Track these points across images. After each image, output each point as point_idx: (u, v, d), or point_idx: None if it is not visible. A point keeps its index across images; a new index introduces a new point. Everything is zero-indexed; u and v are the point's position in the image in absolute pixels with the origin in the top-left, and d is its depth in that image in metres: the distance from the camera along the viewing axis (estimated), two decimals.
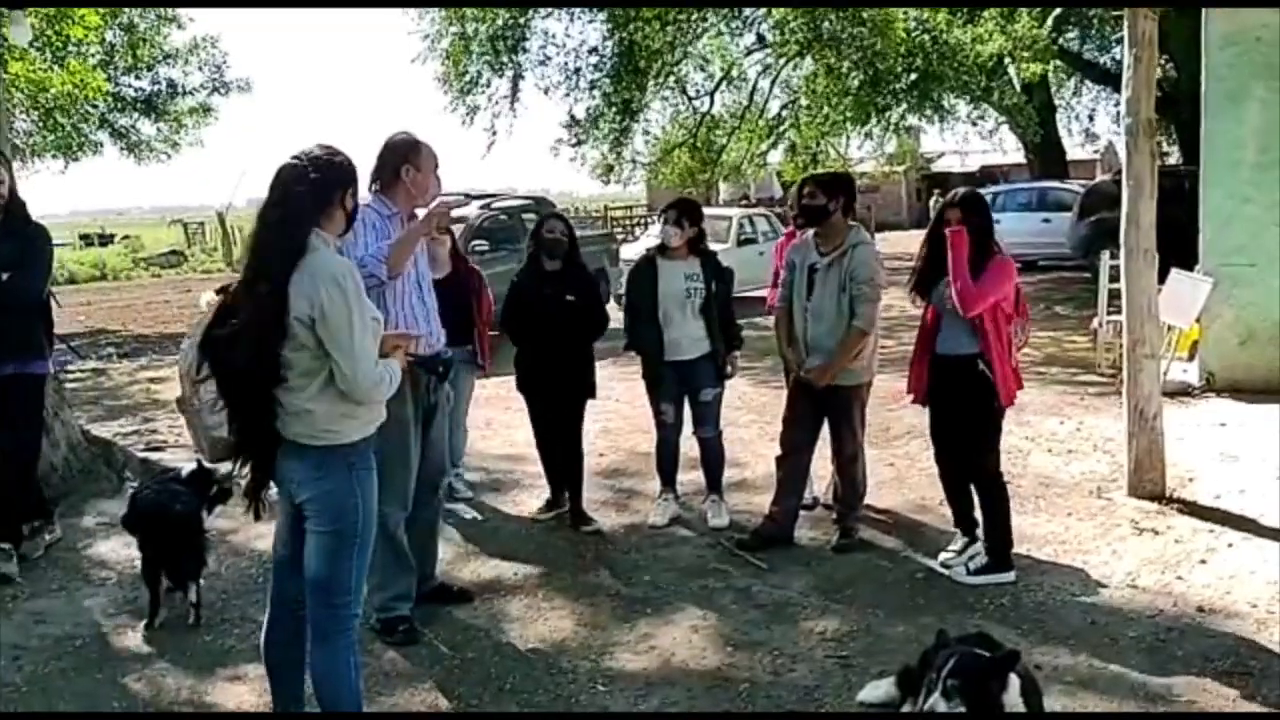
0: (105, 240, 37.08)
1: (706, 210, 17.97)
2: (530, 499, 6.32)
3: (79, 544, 5.58)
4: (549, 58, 18.00)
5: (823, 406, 5.28)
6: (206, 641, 4.43)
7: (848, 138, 27.10)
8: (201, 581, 4.70)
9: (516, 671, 4.11)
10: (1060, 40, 17.58)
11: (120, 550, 5.47)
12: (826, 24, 15.05)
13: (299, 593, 3.26)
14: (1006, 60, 15.97)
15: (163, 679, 4.11)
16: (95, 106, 15.76)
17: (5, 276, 4.95)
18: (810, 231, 5.33)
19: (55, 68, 12.56)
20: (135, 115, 16.89)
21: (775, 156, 30.01)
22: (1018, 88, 17.79)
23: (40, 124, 15.90)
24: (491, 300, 6.28)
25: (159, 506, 4.58)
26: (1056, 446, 7.06)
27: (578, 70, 18.21)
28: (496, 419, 8.49)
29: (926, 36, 15.53)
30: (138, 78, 16.69)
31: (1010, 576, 4.78)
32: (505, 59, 17.10)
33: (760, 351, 9.30)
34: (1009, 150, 31.49)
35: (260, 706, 3.79)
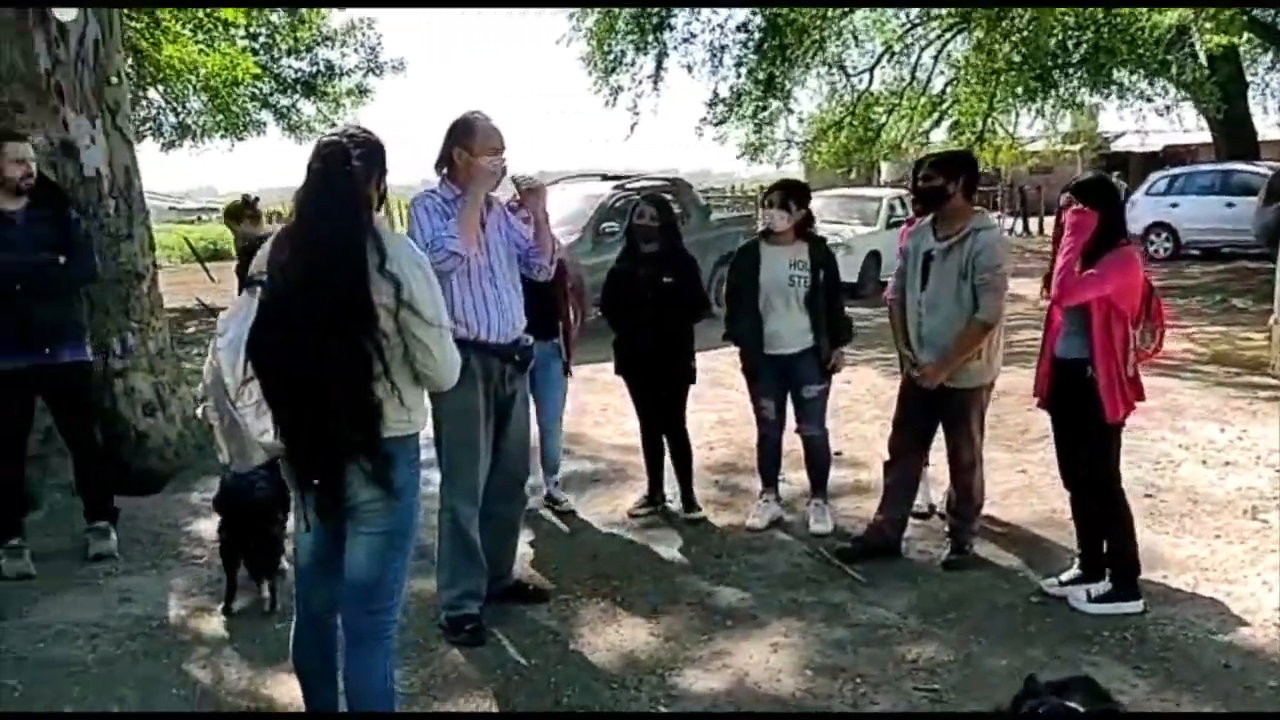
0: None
1: (854, 191, 17.47)
2: (631, 494, 6.09)
3: (181, 521, 5.65)
4: (694, 35, 17.67)
5: (936, 409, 4.85)
6: (278, 630, 4.33)
7: (1016, 115, 25.81)
8: (286, 566, 4.66)
9: (578, 683, 3.89)
10: (1253, 11, 16.13)
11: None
12: None
13: (325, 600, 3.11)
14: (1190, 31, 14.73)
15: (225, 667, 4.06)
16: (259, 88, 16.35)
17: (62, 260, 4.94)
18: (928, 217, 4.90)
19: (207, 50, 13.02)
20: (296, 96, 17.46)
21: (939, 135, 28.90)
22: (1202, 60, 16.42)
23: (208, 105, 16.56)
24: (582, 291, 6.06)
25: (239, 492, 4.54)
26: (1213, 457, 6.39)
27: (723, 48, 17.83)
28: (614, 405, 8.29)
29: (1099, 10, 14.45)
30: (298, 59, 17.24)
31: (1137, 607, 4.28)
32: (650, 37, 16.87)
33: (891, 343, 8.80)
34: (1194, 129, 29.36)
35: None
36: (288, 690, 3.85)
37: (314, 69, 17.32)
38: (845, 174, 32.53)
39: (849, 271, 14.84)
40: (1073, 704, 2.83)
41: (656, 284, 5.44)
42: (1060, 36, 14.70)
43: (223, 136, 18.00)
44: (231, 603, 4.53)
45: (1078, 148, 38.69)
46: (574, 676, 3.95)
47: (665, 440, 5.75)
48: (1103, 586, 4.39)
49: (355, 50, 17.40)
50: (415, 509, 3.08)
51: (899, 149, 28.67)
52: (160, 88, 16.12)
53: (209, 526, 5.52)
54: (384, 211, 3.16)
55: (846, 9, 17.52)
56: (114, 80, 6.19)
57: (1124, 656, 3.94)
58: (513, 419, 4.46)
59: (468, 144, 4.20)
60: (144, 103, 16.91)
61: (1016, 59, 15.11)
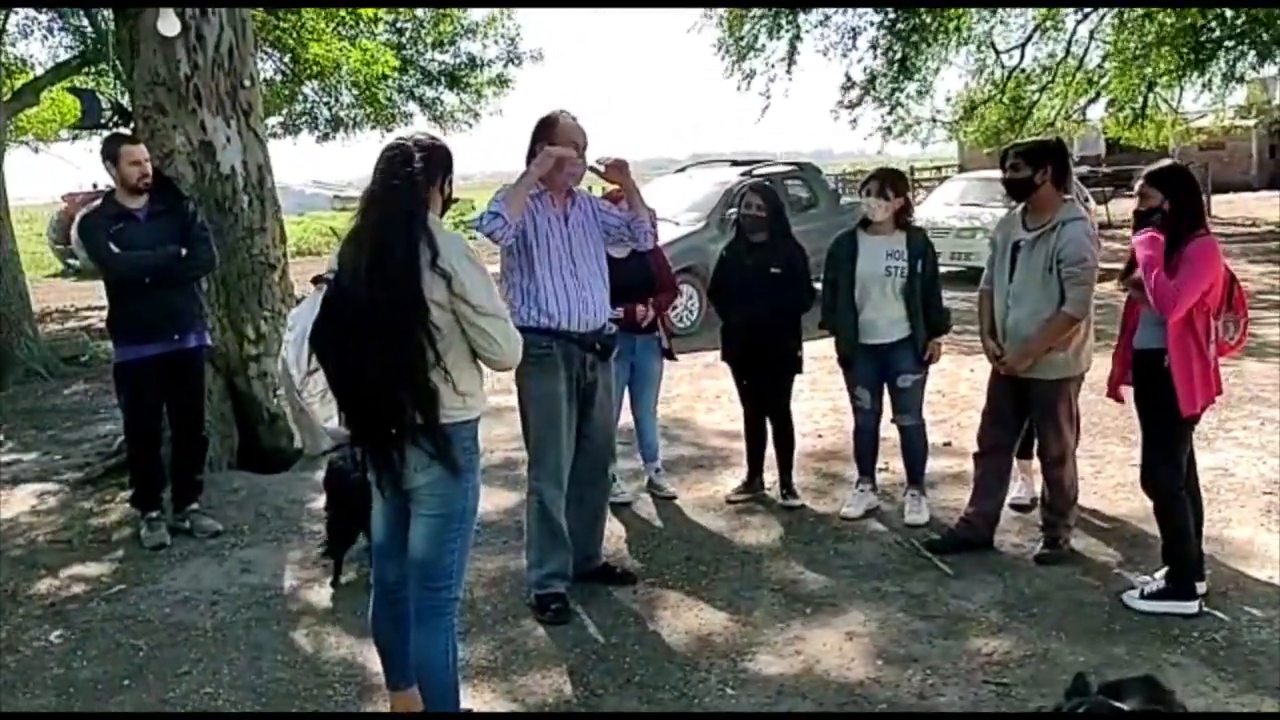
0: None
1: (991, 173, 16.83)
2: (732, 479, 6.17)
3: (304, 497, 5.99)
4: (828, 17, 17.42)
5: (1025, 401, 4.77)
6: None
7: (1180, 90, 24.50)
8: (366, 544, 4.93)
9: (651, 664, 4.01)
10: None
11: None
12: None
13: (398, 576, 3.31)
14: None
15: (327, 637, 4.33)
16: (405, 81, 16.95)
17: (184, 252, 5.29)
18: (1019, 207, 4.81)
19: (350, 47, 13.59)
20: (440, 88, 18.02)
21: (1096, 112, 27.68)
22: None
23: (358, 98, 17.25)
24: (674, 280, 6.14)
25: (344, 472, 4.82)
26: None
27: (854, 31, 17.54)
28: (728, 391, 8.35)
29: None
30: (441, 52, 17.79)
31: (1192, 607, 4.14)
32: (783, 21, 16.74)
33: None
34: None
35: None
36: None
37: (456, 61, 17.86)
38: (996, 154, 31.58)
39: (986, 256, 14.46)
40: (1121, 705, 2.81)
41: (764, 273, 5.49)
42: (1215, 9, 13.88)
43: (373, 128, 18.69)
44: (339, 576, 4.83)
45: (1251, 122, 36.48)
46: (648, 657, 4.07)
47: (769, 427, 5.80)
48: (1158, 584, 4.27)
49: (495, 42, 17.89)
50: (472, 493, 3.24)
51: (1052, 127, 27.67)
52: (313, 83, 16.86)
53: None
54: (450, 207, 3.32)
55: None
56: (247, 84, 6.58)
57: (1210, 659, 3.82)
58: (596, 405, 4.61)
59: (548, 138, 4.37)
60: (299, 98, 17.71)
61: (1165, 34, 14.37)
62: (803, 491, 5.84)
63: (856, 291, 5.30)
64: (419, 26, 17.68)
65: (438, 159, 3.17)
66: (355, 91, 17.19)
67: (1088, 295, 4.55)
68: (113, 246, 5.17)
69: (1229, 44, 15.84)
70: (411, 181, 3.08)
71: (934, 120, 24.85)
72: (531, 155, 4.43)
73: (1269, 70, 22.61)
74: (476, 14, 17.52)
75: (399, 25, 17.36)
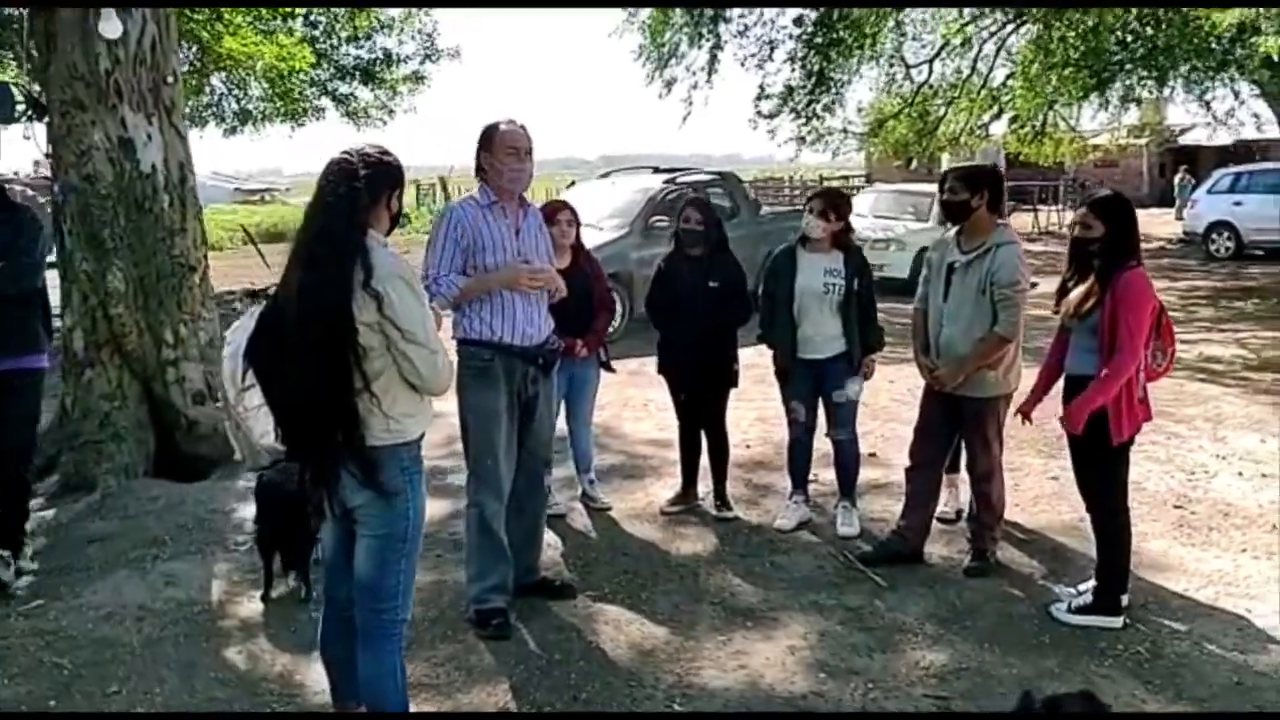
0: None
1: (908, 186, 17.31)
2: (664, 490, 6.20)
3: (226, 508, 5.83)
4: (747, 28, 17.65)
5: (956, 418, 4.90)
6: (312, 618, 4.48)
7: (1078, 109, 25.39)
8: (318, 555, 4.85)
9: (597, 680, 4.01)
10: None
11: None
12: None
13: (350, 593, 3.26)
14: (1251, 30, 14.40)
15: (262, 654, 4.23)
16: (318, 75, 16.66)
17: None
18: (953, 229, 4.94)
19: (265, 41, 13.29)
20: (354, 83, 17.75)
21: (999, 128, 28.54)
22: (1275, 57, 16.06)
23: (268, 92, 16.90)
24: (631, 283, 6.17)
25: (275, 485, 4.71)
26: (1249, 469, 6.34)
27: (772, 42, 17.79)
28: (656, 399, 8.40)
29: (1158, 9, 14.19)
30: (357, 46, 17.52)
31: (1116, 622, 4.30)
32: (704, 30, 16.90)
33: None
34: (1268, 123, 28.62)
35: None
36: (319, 678, 3.99)
37: (372, 56, 17.62)
38: (905, 166, 32.31)
39: (900, 268, 14.76)
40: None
41: (702, 287, 5.53)
42: (1119, 35, 14.45)
43: (282, 122, 18.35)
44: (269, 591, 4.72)
45: (1143, 141, 37.99)
46: (593, 673, 4.07)
47: (703, 439, 5.84)
48: (1085, 598, 4.42)
49: (412, 38, 17.70)
50: (412, 513, 3.17)
51: (957, 142, 28.44)
52: (222, 75, 16.48)
53: (253, 514, 5.74)
54: (398, 224, 3.27)
55: (899, 8, 17.34)
56: (170, 80, 6.40)
57: (1136, 671, 3.97)
58: (536, 418, 4.60)
59: (488, 147, 4.37)
60: (206, 90, 17.28)
61: (1074, 56, 14.89)
62: (735, 502, 5.89)
63: (795, 307, 5.38)
64: (334, 21, 17.41)
65: (383, 175, 3.11)
66: (265, 85, 16.82)
67: (1019, 316, 4.69)
68: None
69: (1129, 68, 16.46)
70: (351, 198, 3.03)
71: (845, 131, 25.35)
72: (478, 165, 4.42)
73: (1164, 92, 23.54)
74: (393, 8, 17.32)
75: (313, 19, 17.07)
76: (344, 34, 17.09)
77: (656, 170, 14.15)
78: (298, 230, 3.19)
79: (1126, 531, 4.36)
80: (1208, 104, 20.99)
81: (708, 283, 5.60)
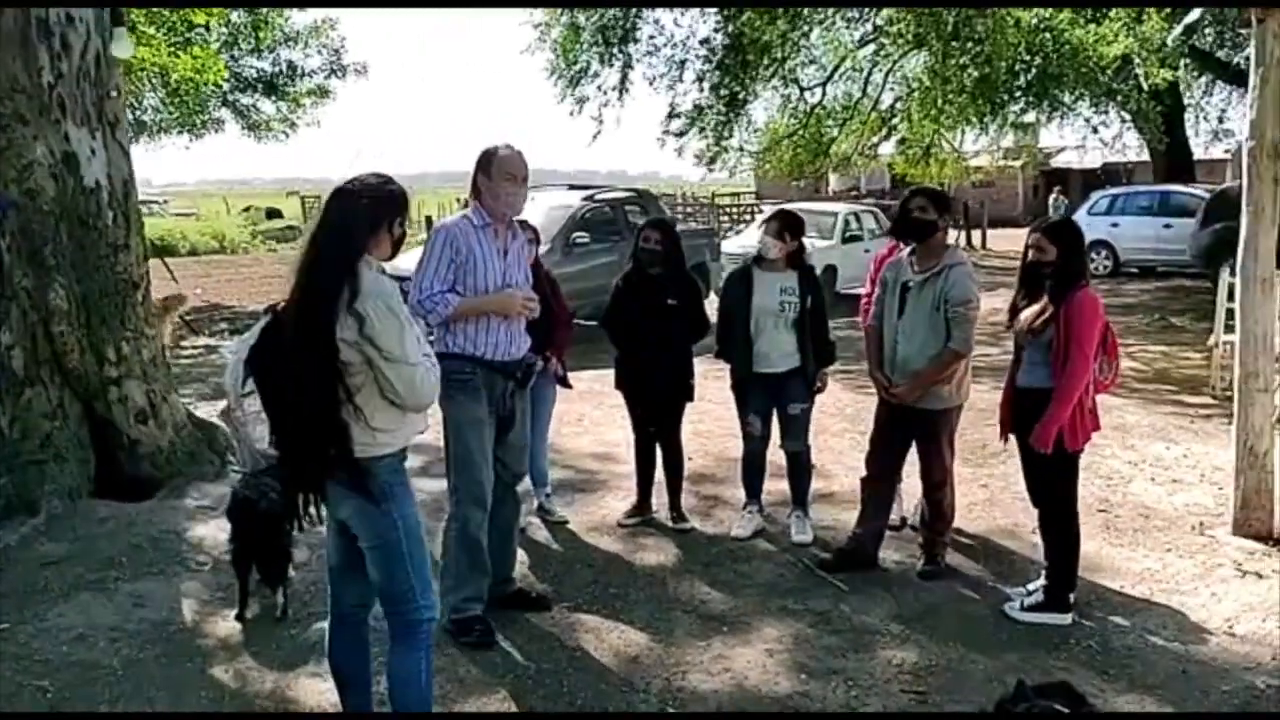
0: (274, 213, 37.47)
1: (812, 205, 17.79)
2: (616, 502, 6.35)
3: (179, 527, 5.77)
4: (657, 48, 17.99)
5: (910, 430, 5.16)
6: (293, 635, 4.55)
7: (962, 132, 26.47)
8: (293, 574, 4.86)
9: (589, 687, 4.13)
10: (1192, 40, 16.82)
11: (218, 535, 5.62)
12: (937, 20, 14.64)
13: (356, 599, 3.42)
14: (1134, 63, 15.35)
15: (249, 672, 4.23)
16: (219, 87, 16.33)
17: None
18: (907, 249, 5.21)
19: (179, 52, 13.02)
20: (256, 95, 17.46)
21: (887, 149, 29.54)
22: (1145, 90, 17.12)
23: (166, 102, 16.51)
24: (567, 306, 6.29)
25: (248, 501, 4.71)
26: (1160, 474, 6.80)
27: (683, 63, 18.17)
28: (589, 414, 8.54)
29: (1048, 35, 15.01)
30: (260, 58, 17.25)
31: (1066, 619, 4.62)
32: (615, 50, 17.15)
33: (859, 354, 9.14)
34: (1133, 147, 30.32)
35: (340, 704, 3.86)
36: (312, 692, 4.07)
37: (275, 69, 17.36)
38: (794, 183, 33.15)
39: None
40: (1057, 706, 3.15)
41: (661, 305, 5.70)
42: (1010, 62, 15.22)
43: (179, 133, 17.94)
44: (244, 610, 4.70)
45: (1019, 163, 39.69)
46: (584, 680, 4.19)
47: (659, 453, 6.00)
48: (1036, 597, 4.73)
49: (318, 52, 17.50)
50: (403, 522, 3.30)
51: (848, 162, 29.33)
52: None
53: (208, 532, 5.71)
54: (400, 249, 3.41)
55: (807, 28, 17.91)
56: (114, 94, 6.31)
57: (1090, 663, 4.27)
58: (512, 432, 4.71)
59: (486, 170, 4.48)
60: None
61: (967, 83, 15.62)
62: (688, 513, 6.07)
63: (751, 324, 5.59)
64: (235, 32, 17.11)
65: (385, 202, 3.28)
66: (162, 95, 16.44)
67: (971, 332, 4.98)
68: None
69: (1018, 94, 17.30)
70: (347, 225, 3.20)
71: (741, 150, 25.88)
72: (474, 185, 4.53)
73: (1042, 120, 24.71)
74: (299, 21, 17.10)
75: (214, 30, 16.74)
76: (246, 45, 16.79)
77: (573, 187, 14.32)
78: (301, 251, 3.29)
79: (1076, 534, 4.67)
80: (1095, 129, 22.09)
81: (666, 300, 5.78)
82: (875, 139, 27.79)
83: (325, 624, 3.82)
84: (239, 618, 4.68)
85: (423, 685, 3.40)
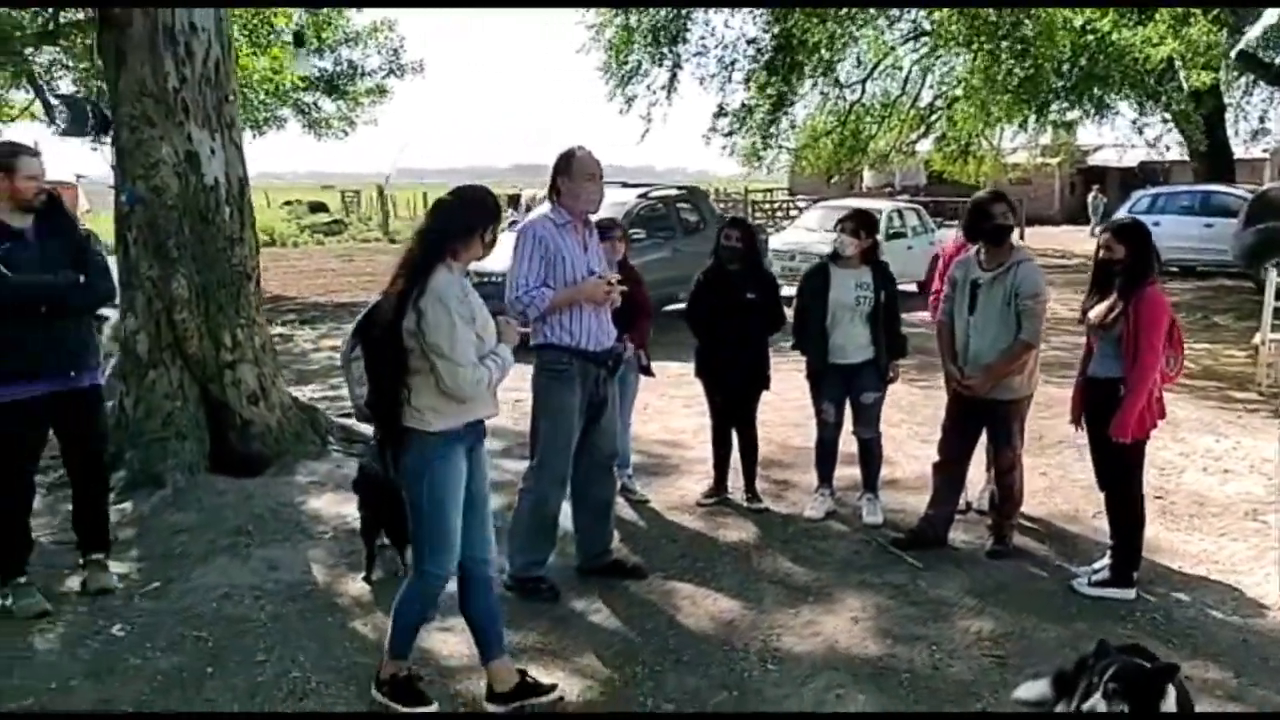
0: (318, 207, 38.10)
1: (856, 202, 18.12)
2: (691, 484, 6.75)
3: (295, 500, 6.23)
4: (707, 49, 18.40)
5: (982, 418, 5.52)
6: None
7: (1001, 129, 26.68)
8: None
9: (692, 645, 4.53)
10: (1254, 50, 17.01)
11: (331, 507, 6.13)
12: (987, 22, 14.93)
13: (468, 550, 3.93)
14: (1177, 65, 15.58)
15: (385, 626, 4.61)
16: (287, 86, 16.83)
17: (81, 279, 4.76)
18: (973, 248, 5.57)
19: (257, 53, 13.51)
20: (317, 94, 17.97)
21: (924, 146, 29.78)
22: (1187, 92, 17.33)
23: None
24: (649, 299, 6.68)
25: (375, 473, 5.13)
26: (1212, 465, 7.13)
27: (733, 62, 18.56)
28: (653, 403, 8.93)
29: (1092, 37, 15.27)
30: (321, 58, 17.75)
31: (1130, 594, 4.96)
32: (665, 50, 17.57)
33: (913, 348, 9.46)
34: (1170, 146, 30.41)
35: (468, 655, 4.28)
36: (444, 644, 4.49)
37: (337, 68, 17.87)
38: (829, 181, 33.46)
39: None
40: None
41: (739, 299, 6.09)
42: (1056, 63, 15.49)
43: (243, 130, 18.47)
44: (371, 572, 5.14)
45: (1056, 161, 39.75)
46: (687, 639, 4.60)
47: (735, 437, 6.40)
48: (1102, 574, 5.08)
49: (378, 52, 17.99)
50: (424, 491, 3.78)
51: (885, 159, 29.61)
52: None
53: (322, 505, 6.18)
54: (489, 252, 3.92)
55: (858, 26, 18.24)
56: (230, 98, 6.76)
57: (1156, 632, 4.63)
58: (604, 418, 5.14)
59: (567, 172, 4.91)
60: None
61: (1013, 83, 15.90)
62: (762, 496, 6.46)
63: (828, 317, 5.97)
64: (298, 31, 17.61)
65: (480, 211, 3.84)
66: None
67: (1040, 325, 5.33)
68: (2, 268, 4.55)
69: (1062, 93, 17.55)
70: (443, 229, 3.76)
71: (780, 147, 26.20)
72: (554, 186, 4.93)
73: (1085, 119, 24.89)
74: (359, 21, 17.59)
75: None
76: (311, 46, 17.30)
77: (626, 185, 14.70)
78: (405, 246, 3.89)
79: (1141, 514, 5.03)
80: (1140, 130, 22.29)
81: (745, 294, 6.17)
82: (914, 136, 28.08)
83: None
84: (366, 579, 5.12)
85: (404, 617, 3.96)
